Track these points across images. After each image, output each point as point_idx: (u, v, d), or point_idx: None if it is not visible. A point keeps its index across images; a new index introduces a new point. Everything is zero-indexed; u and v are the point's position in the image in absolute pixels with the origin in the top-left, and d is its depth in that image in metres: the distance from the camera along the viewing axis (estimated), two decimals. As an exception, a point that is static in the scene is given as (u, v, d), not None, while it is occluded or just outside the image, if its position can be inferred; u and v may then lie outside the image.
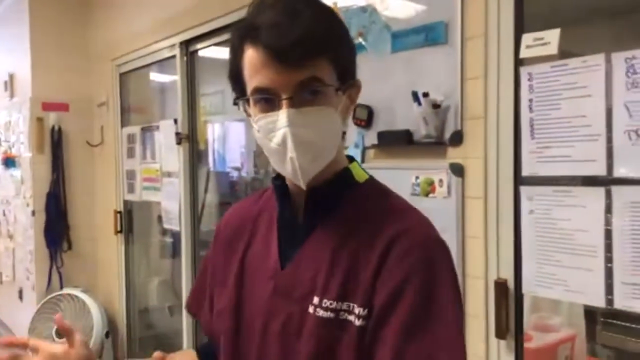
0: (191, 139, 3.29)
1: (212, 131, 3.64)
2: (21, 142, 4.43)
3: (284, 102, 0.84)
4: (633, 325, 1.83)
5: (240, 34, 0.88)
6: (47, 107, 4.20)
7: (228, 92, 0.97)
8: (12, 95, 4.71)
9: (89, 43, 4.34)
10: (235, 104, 0.93)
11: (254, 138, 0.96)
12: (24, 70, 4.32)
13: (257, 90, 0.86)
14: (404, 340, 0.79)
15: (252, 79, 0.86)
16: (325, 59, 0.85)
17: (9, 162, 4.70)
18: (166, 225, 3.52)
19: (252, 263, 0.98)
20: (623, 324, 1.86)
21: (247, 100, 0.90)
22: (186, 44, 3.21)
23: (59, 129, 4.22)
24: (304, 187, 0.88)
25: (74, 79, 4.29)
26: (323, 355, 0.85)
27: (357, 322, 0.84)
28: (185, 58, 3.24)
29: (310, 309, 0.88)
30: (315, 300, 0.88)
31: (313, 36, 0.83)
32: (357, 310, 0.84)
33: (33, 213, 4.19)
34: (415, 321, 0.80)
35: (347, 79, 0.90)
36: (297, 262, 0.92)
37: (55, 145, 4.21)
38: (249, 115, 0.92)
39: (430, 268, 0.84)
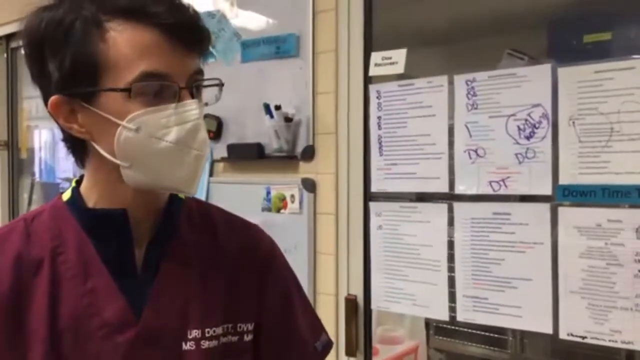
0: (11, 146, 2.96)
1: (39, 138, 3.29)
2: None
3: (185, 93, 0.72)
4: (461, 329, 1.95)
5: (96, 10, 0.71)
6: None
7: None
8: None
9: None
10: (74, 97, 0.72)
11: (66, 145, 0.79)
12: None
13: (150, 76, 0.69)
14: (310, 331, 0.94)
15: (139, 63, 0.69)
16: (200, 55, 0.77)
17: None
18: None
19: (70, 322, 0.73)
20: (453, 328, 1.99)
21: (91, 96, 0.71)
22: (7, 39, 2.90)
23: None
24: (194, 193, 0.77)
25: None
26: None
27: (247, 338, 0.84)
28: (5, 55, 2.93)
29: (187, 346, 0.77)
30: (195, 333, 0.77)
31: (204, 26, 0.75)
32: (243, 327, 0.83)
33: None
34: (306, 313, 0.95)
35: None
36: (156, 302, 0.77)
37: None
38: (67, 118, 0.74)
39: (290, 269, 0.96)
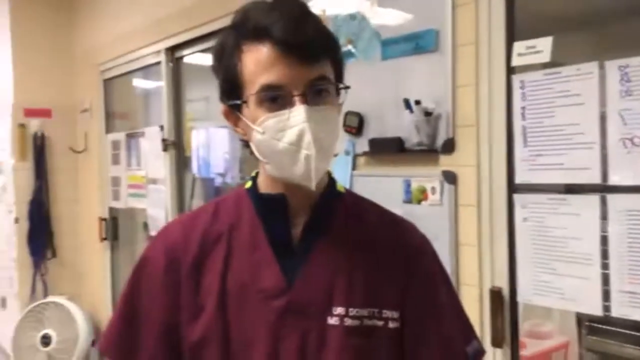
0: (177, 146, 3.26)
1: (197, 137, 3.62)
2: (3, 148, 4.34)
3: (298, 99, 0.82)
4: (617, 329, 1.83)
5: (237, 35, 0.86)
6: (30, 113, 4.13)
7: (212, 98, 0.95)
8: (-8, 101, 4.62)
9: (72, 48, 4.28)
10: (232, 107, 0.89)
11: (242, 144, 0.94)
12: (5, 75, 4.24)
13: (267, 88, 0.83)
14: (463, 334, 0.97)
15: (260, 77, 0.83)
16: (330, 60, 0.87)
17: (-9, 169, 4.61)
18: (152, 232, 3.47)
19: (236, 286, 0.90)
20: (607, 328, 1.87)
21: (240, 106, 0.87)
22: (172, 50, 3.18)
23: (42, 135, 4.15)
24: (313, 188, 0.86)
25: (57, 85, 4.23)
26: None
27: (392, 325, 0.90)
28: (170, 64, 3.21)
29: (332, 321, 0.87)
30: (339, 310, 0.88)
31: (324, 36, 0.86)
32: (388, 313, 0.89)
33: (16, 220, 4.11)
34: (456, 315, 0.98)
35: (342, 82, 0.92)
36: (307, 277, 0.89)
37: (38, 152, 4.14)
38: (234, 122, 0.91)
39: (441, 269, 1.00)
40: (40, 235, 4.13)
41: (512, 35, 1.60)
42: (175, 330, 0.91)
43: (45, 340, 3.79)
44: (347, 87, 0.90)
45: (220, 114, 0.95)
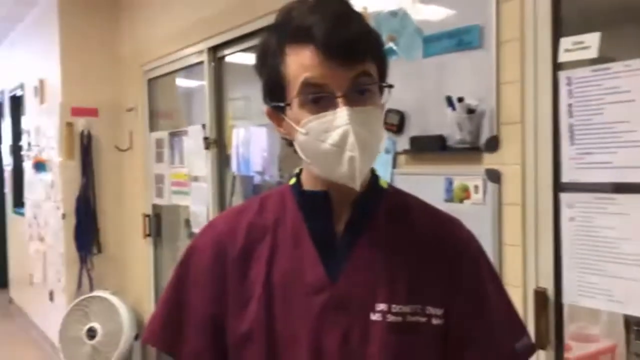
0: (219, 144, 3.30)
1: (237, 136, 3.66)
2: (51, 146, 4.50)
3: (341, 100, 0.83)
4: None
5: (280, 36, 0.87)
6: (77, 112, 4.27)
7: (253, 98, 0.96)
8: (42, 101, 4.80)
9: (118, 49, 4.40)
10: (275, 108, 0.91)
11: (285, 143, 0.95)
12: (53, 76, 4.40)
13: (309, 84, 0.83)
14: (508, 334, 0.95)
15: (301, 76, 0.84)
16: (372, 59, 0.87)
17: (40, 166, 4.78)
18: (194, 229, 3.54)
19: (281, 280, 0.90)
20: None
21: (284, 107, 0.88)
22: (214, 50, 3.22)
23: (89, 133, 4.28)
24: (357, 188, 0.86)
25: (103, 85, 4.36)
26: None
27: (435, 322, 0.89)
28: (213, 64, 3.26)
29: (374, 317, 0.87)
30: (382, 307, 0.87)
31: (367, 35, 0.86)
32: (431, 310, 0.89)
33: (63, 216, 4.26)
34: (504, 312, 0.97)
35: (385, 81, 0.92)
36: (350, 273, 0.89)
37: (84, 150, 4.27)
38: (277, 122, 0.92)
39: (489, 266, 0.99)
40: (87, 231, 4.27)
41: (558, 30, 1.56)
42: (221, 322, 0.93)
43: (91, 333, 3.90)
44: (390, 86, 0.90)
45: (260, 113, 0.97)
